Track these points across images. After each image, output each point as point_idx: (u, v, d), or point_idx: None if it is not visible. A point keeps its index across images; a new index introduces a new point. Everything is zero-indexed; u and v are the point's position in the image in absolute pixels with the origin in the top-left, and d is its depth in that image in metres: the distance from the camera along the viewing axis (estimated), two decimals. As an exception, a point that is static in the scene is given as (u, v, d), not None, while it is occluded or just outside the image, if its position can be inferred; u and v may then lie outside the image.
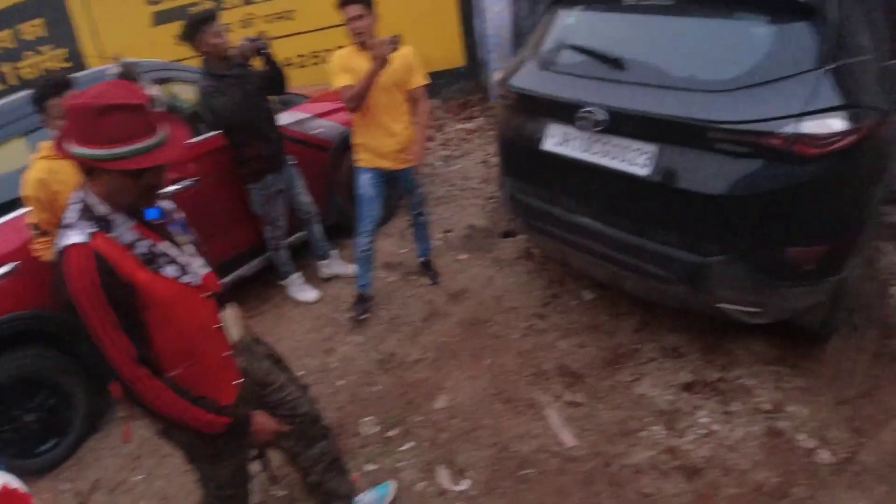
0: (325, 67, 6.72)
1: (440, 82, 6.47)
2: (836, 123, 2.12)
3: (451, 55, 6.72)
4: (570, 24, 2.86)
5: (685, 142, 2.30)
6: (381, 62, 2.94)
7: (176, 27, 3.42)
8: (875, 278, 3.43)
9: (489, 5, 6.09)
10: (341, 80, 3.11)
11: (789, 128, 2.10)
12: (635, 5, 2.59)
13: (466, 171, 5.40)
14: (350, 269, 4.02)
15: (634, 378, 2.93)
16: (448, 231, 4.43)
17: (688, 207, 2.36)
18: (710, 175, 2.26)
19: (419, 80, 3.28)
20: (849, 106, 2.16)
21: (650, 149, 2.40)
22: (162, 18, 6.62)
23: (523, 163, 2.97)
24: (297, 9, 6.57)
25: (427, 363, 3.25)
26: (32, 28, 7.16)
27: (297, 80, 6.58)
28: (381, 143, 3.29)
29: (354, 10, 3.04)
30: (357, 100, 3.07)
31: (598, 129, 2.49)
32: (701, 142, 2.24)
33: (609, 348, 3.11)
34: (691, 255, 2.44)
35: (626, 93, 2.45)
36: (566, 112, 2.59)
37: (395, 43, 2.99)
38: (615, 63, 2.52)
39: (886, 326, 3.09)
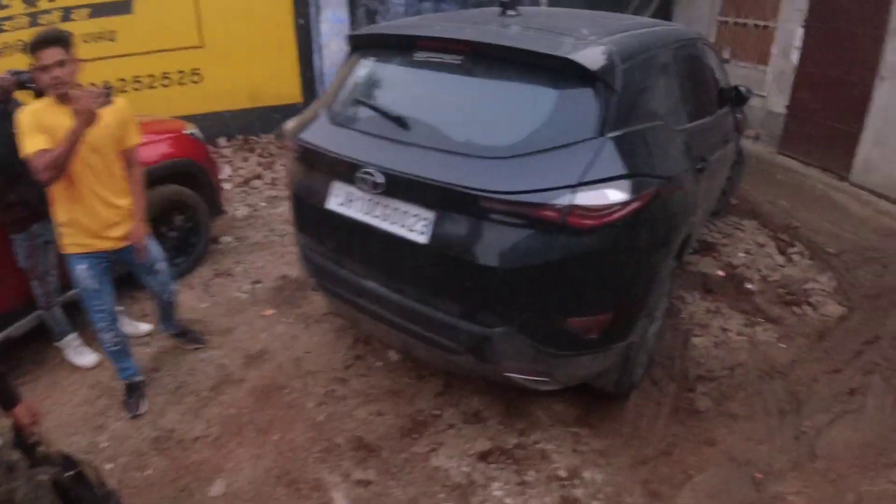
0: (148, 94, 6.29)
1: (276, 117, 6.13)
2: (613, 194, 2.05)
3: (289, 90, 6.42)
4: (362, 75, 2.65)
5: (461, 210, 2.14)
6: (86, 118, 2.27)
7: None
8: (677, 328, 3.54)
9: (327, 42, 5.91)
10: (35, 144, 2.34)
11: (564, 199, 2.00)
12: (425, 61, 2.42)
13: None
14: (142, 328, 3.50)
15: (431, 448, 2.71)
16: (257, 282, 4.03)
17: (466, 278, 2.20)
18: (485, 246, 2.11)
19: (134, 138, 2.71)
20: (629, 175, 2.12)
21: (428, 215, 2.22)
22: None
23: (312, 220, 2.69)
24: (119, 30, 5.90)
25: (209, 441, 2.82)
26: None
27: (114, 106, 5.96)
28: (95, 219, 2.61)
29: (54, 54, 2.33)
30: (56, 167, 2.33)
31: (377, 191, 2.27)
32: (476, 211, 2.09)
33: (408, 416, 2.88)
34: (474, 326, 2.28)
35: (405, 155, 2.26)
36: (349, 171, 2.36)
37: (107, 94, 2.41)
38: (398, 122, 2.33)
39: (686, 379, 3.15)
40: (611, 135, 2.13)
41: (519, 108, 2.21)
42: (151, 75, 6.05)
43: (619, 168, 2.10)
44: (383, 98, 2.50)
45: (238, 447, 2.77)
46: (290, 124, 2.92)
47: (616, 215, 2.05)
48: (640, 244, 2.25)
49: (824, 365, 3.34)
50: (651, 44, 2.55)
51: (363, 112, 2.52)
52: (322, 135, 2.59)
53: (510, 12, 2.69)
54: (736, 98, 4.06)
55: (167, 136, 4.03)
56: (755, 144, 6.84)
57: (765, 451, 2.75)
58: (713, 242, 4.58)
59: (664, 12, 8.03)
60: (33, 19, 5.54)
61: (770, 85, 6.67)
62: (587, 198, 2.01)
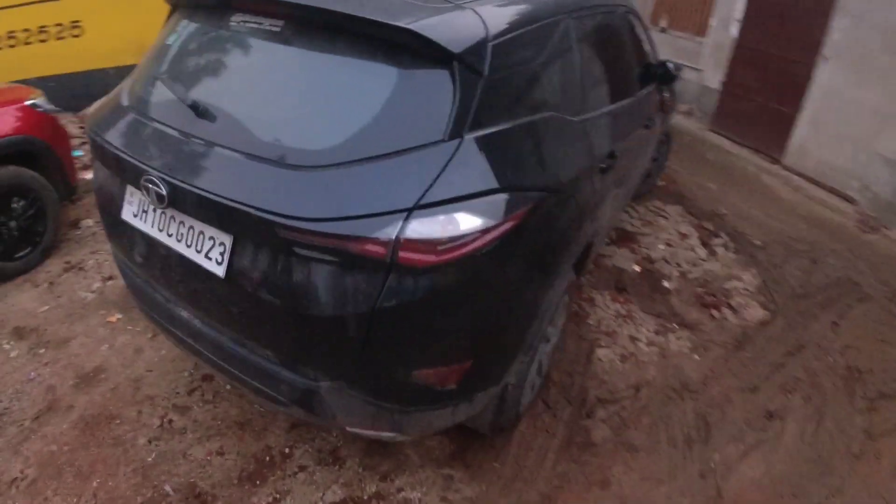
0: (24, 51, 5.32)
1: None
2: (466, 220, 1.48)
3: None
4: (172, 44, 1.96)
5: (260, 238, 1.54)
6: None
7: None
8: (582, 338, 3.07)
9: None
10: None
11: (392, 230, 1.41)
12: (239, 27, 1.76)
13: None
14: None
15: (274, 499, 2.19)
16: (109, 279, 3.34)
17: (276, 322, 1.62)
18: (293, 286, 1.52)
19: None
20: (493, 191, 1.55)
21: (225, 240, 1.61)
22: None
23: (115, 230, 2.03)
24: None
25: (23, 487, 2.21)
26: None
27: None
28: None
29: None
30: None
31: (163, 204, 1.65)
32: (276, 241, 1.49)
33: (253, 455, 2.33)
34: (297, 377, 1.72)
35: (196, 158, 1.62)
36: (137, 176, 1.71)
37: None
38: (194, 110, 1.68)
39: (584, 403, 2.69)
40: (471, 135, 1.55)
41: (346, 97, 1.57)
42: (27, 30, 5.09)
43: (477, 182, 1.52)
44: (186, 76, 1.83)
45: (54, 495, 2.18)
46: (94, 106, 2.22)
47: (471, 247, 1.49)
48: (510, 276, 1.70)
49: (741, 381, 2.94)
50: (541, 11, 1.94)
51: (161, 95, 1.85)
52: (114, 124, 1.90)
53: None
54: (663, 75, 3.52)
55: (2, 109, 3.25)
56: (687, 120, 6.38)
57: (664, 493, 2.33)
58: (633, 232, 4.11)
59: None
60: None
61: (706, 58, 6.15)
62: (426, 227, 1.43)
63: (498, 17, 1.71)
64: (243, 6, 1.76)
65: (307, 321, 1.53)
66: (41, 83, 5.19)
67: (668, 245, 4.00)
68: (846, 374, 3.07)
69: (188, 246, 1.69)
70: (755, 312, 3.47)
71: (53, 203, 3.47)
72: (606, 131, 2.37)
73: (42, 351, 2.86)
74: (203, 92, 1.74)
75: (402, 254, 1.43)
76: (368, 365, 1.62)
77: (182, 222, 1.70)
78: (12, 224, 3.30)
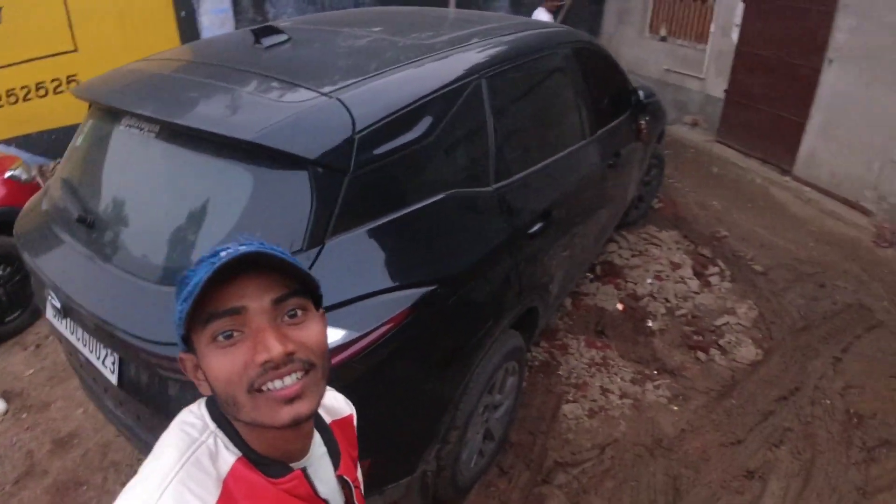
0: (24, 107, 5.58)
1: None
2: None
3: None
4: (80, 145, 1.98)
5: (140, 360, 1.52)
6: None
7: None
8: (550, 391, 2.94)
9: (209, 36, 5.15)
10: None
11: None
12: (129, 128, 1.76)
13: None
14: None
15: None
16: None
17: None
18: (174, 399, 1.50)
19: None
20: (357, 297, 1.49)
21: (113, 353, 1.61)
22: None
23: (49, 322, 2.08)
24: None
25: None
26: None
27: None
28: None
29: None
30: None
31: (62, 315, 1.66)
32: (153, 364, 1.47)
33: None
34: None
35: (84, 273, 1.63)
36: (44, 285, 1.75)
37: None
38: (82, 221, 1.69)
39: (540, 467, 2.57)
40: (334, 240, 1.49)
41: (207, 205, 1.53)
42: (25, 87, 5.34)
43: (339, 292, 1.46)
44: (88, 182, 1.85)
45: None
46: (26, 205, 2.27)
47: (337, 358, 1.43)
48: (400, 374, 1.63)
49: (722, 434, 2.74)
50: (439, 80, 1.85)
51: (63, 201, 1.87)
52: (32, 229, 1.95)
53: (266, 41, 2.00)
54: (636, 105, 3.37)
55: (-22, 180, 3.41)
56: (692, 132, 6.09)
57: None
58: (620, 265, 3.93)
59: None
60: None
61: (709, 66, 5.87)
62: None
63: (371, 102, 1.65)
64: (127, 112, 1.76)
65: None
66: (45, 136, 5.47)
67: (658, 278, 3.81)
68: (844, 420, 2.82)
69: (91, 352, 1.70)
70: (747, 352, 3.25)
71: (38, 269, 3.59)
72: (538, 191, 2.26)
73: (24, 416, 2.97)
74: (96, 200, 1.75)
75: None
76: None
77: (82, 331, 1.71)
78: (0, 290, 3.44)
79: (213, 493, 0.68)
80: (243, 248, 0.66)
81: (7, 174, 3.52)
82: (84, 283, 1.62)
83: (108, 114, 1.88)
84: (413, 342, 1.62)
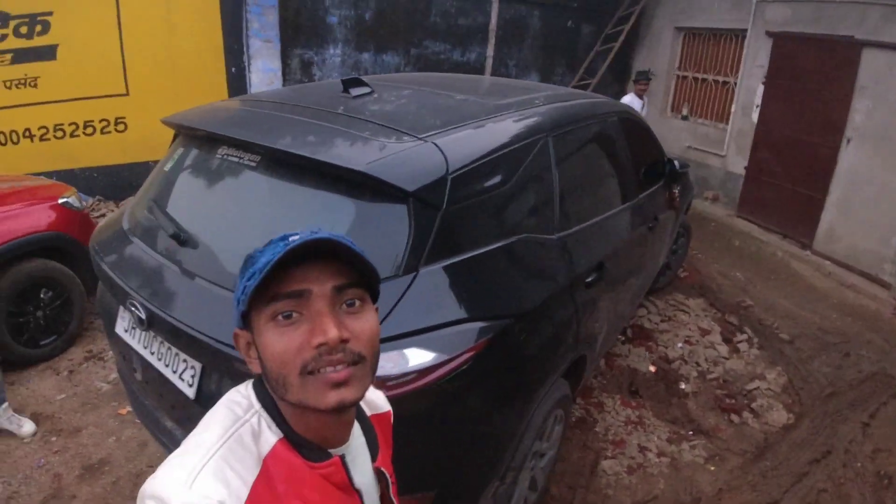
0: (70, 143, 5.81)
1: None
2: (416, 355, 1.50)
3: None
4: (169, 170, 2.11)
5: (225, 368, 1.59)
6: None
7: None
8: (587, 447, 2.94)
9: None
10: None
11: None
12: (224, 159, 1.89)
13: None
14: (25, 428, 2.94)
15: None
16: (122, 373, 3.45)
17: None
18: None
19: None
20: (447, 324, 1.57)
21: (195, 365, 1.67)
22: None
23: (112, 338, 2.14)
24: (43, 75, 5.44)
25: None
26: None
27: (38, 155, 5.48)
28: None
29: None
30: None
31: (144, 327, 1.73)
32: (238, 373, 1.53)
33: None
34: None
35: (174, 286, 1.72)
36: (124, 297, 1.82)
37: None
38: (177, 239, 1.79)
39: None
40: (427, 268, 1.58)
41: (310, 229, 1.65)
42: (74, 123, 5.57)
43: (431, 316, 1.54)
44: (175, 204, 1.97)
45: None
46: (100, 224, 2.39)
47: (422, 381, 1.49)
48: (474, 404, 1.68)
49: (759, 494, 2.74)
50: (515, 135, 2.01)
51: (152, 221, 1.98)
52: (111, 245, 2.04)
53: (354, 91, 2.17)
54: (670, 174, 3.54)
55: (34, 206, 3.52)
56: (713, 206, 6.30)
57: None
58: (650, 329, 4.00)
59: (622, 66, 7.54)
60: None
61: (729, 144, 6.14)
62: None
63: (462, 148, 1.78)
64: (228, 140, 1.89)
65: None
66: (87, 172, 5.64)
67: (688, 342, 3.86)
68: (875, 482, 2.83)
69: (166, 366, 1.75)
70: (779, 415, 3.28)
71: (79, 295, 3.66)
72: (593, 243, 2.37)
73: (54, 439, 2.95)
74: (186, 220, 1.85)
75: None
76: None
77: (162, 343, 1.77)
78: (39, 314, 3.50)
79: (253, 471, 0.69)
80: (314, 235, 0.70)
81: (61, 200, 3.65)
82: (173, 296, 1.70)
83: (202, 142, 2.02)
84: (488, 373, 1.68)
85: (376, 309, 0.78)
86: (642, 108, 5.47)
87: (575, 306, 2.12)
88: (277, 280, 0.68)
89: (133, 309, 1.73)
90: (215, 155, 1.92)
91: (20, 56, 5.35)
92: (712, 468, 2.89)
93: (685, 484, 2.77)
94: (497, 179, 1.85)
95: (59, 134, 5.60)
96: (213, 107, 2.19)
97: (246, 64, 5.74)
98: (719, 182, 6.31)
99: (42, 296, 3.51)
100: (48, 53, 5.42)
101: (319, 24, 6.09)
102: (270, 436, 0.73)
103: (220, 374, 1.61)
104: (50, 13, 5.26)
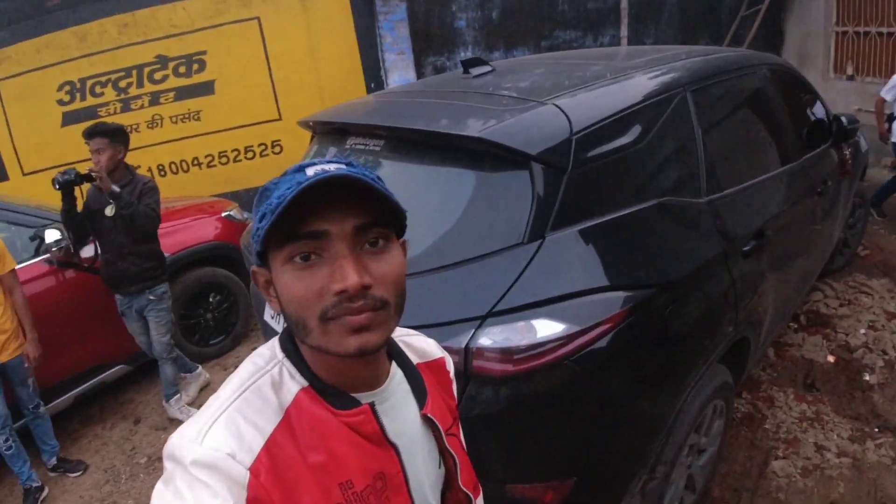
0: (233, 167, 6.43)
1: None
2: (545, 326, 1.39)
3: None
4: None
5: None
6: None
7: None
8: (755, 445, 2.60)
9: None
10: None
11: (463, 339, 1.37)
12: (352, 148, 1.92)
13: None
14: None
15: None
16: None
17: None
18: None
19: (7, 265, 2.68)
20: (579, 293, 1.44)
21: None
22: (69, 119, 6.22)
23: (264, 327, 2.27)
24: (204, 109, 6.12)
25: None
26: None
27: (206, 180, 6.14)
28: None
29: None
30: None
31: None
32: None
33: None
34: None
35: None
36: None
37: None
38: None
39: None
40: (554, 234, 1.46)
41: (430, 205, 1.60)
42: (236, 149, 6.17)
43: (560, 285, 1.42)
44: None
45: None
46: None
47: (553, 355, 1.38)
48: (614, 384, 1.52)
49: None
50: (646, 91, 1.82)
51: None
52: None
53: (474, 71, 2.11)
54: (838, 133, 3.05)
55: (202, 219, 3.94)
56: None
57: None
58: (827, 314, 3.46)
59: (773, 30, 6.73)
60: (125, 105, 5.90)
61: (907, 102, 5.18)
62: (501, 335, 1.36)
63: (587, 108, 1.64)
64: (355, 130, 1.92)
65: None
66: (250, 193, 6.20)
67: (872, 328, 3.29)
68: None
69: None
70: None
71: (244, 298, 4.00)
72: (750, 208, 2.09)
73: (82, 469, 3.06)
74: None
75: (475, 363, 1.37)
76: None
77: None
78: (209, 316, 3.88)
79: (273, 421, 0.64)
80: (332, 170, 0.62)
81: (224, 213, 4.03)
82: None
83: (333, 137, 2.07)
84: (629, 349, 1.51)
85: (403, 243, 0.70)
86: None
87: (731, 278, 1.86)
88: (294, 218, 0.61)
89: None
90: (345, 146, 1.96)
91: (182, 93, 6.06)
92: (906, 471, 2.41)
93: (869, 487, 2.33)
94: (629, 139, 1.68)
95: (224, 160, 6.24)
96: (342, 104, 2.26)
97: (383, 78, 5.98)
98: (897, 147, 5.36)
99: (211, 299, 3.89)
100: (207, 89, 6.08)
101: (448, 29, 6.18)
102: (293, 385, 0.68)
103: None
104: (204, 52, 5.89)
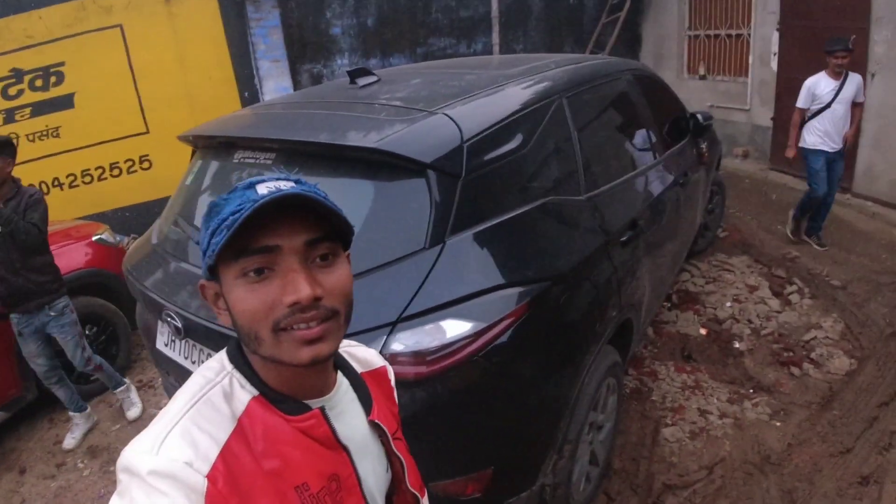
0: (99, 186, 5.96)
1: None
2: (453, 326, 1.46)
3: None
4: (189, 185, 2.13)
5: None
6: None
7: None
8: (646, 416, 2.85)
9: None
10: None
11: (377, 345, 1.41)
12: (241, 163, 1.89)
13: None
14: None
15: None
16: (171, 398, 3.50)
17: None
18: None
19: None
20: (481, 292, 1.53)
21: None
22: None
23: (154, 355, 2.16)
24: (64, 124, 5.61)
25: None
26: None
27: (69, 203, 5.63)
28: None
29: None
30: None
31: (181, 336, 1.74)
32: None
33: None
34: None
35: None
36: (160, 310, 1.83)
37: None
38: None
39: (649, 491, 2.47)
40: (454, 238, 1.55)
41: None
42: (100, 167, 5.71)
43: (463, 286, 1.50)
44: (198, 213, 1.97)
45: None
46: (133, 244, 2.43)
47: (464, 352, 1.45)
48: (519, 374, 1.63)
49: (830, 444, 2.61)
50: (527, 99, 1.96)
51: (179, 233, 1.99)
52: (143, 262, 2.07)
53: (361, 81, 2.15)
54: (694, 128, 3.43)
55: (68, 245, 3.61)
56: (745, 163, 6.10)
57: None
58: (695, 292, 3.87)
59: (631, 34, 7.38)
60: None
61: (752, 97, 5.93)
62: (412, 339, 1.42)
63: (474, 116, 1.74)
64: (243, 144, 1.89)
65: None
66: (119, 213, 5.77)
67: (737, 301, 3.73)
68: (950, 415, 2.68)
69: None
70: (841, 363, 3.13)
71: (124, 327, 3.73)
72: (623, 202, 2.30)
73: (112, 468, 3.00)
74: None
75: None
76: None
77: (201, 350, 1.77)
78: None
79: (227, 429, 0.66)
80: (286, 188, 0.65)
81: (94, 237, 3.73)
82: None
83: (218, 151, 2.02)
84: (531, 339, 1.63)
85: (348, 256, 0.74)
86: (838, 90, 4.04)
87: (613, 266, 2.05)
88: (246, 234, 0.64)
89: (169, 319, 1.74)
90: (232, 160, 1.92)
91: (39, 109, 5.53)
92: (778, 424, 2.77)
93: (752, 443, 2.66)
94: (514, 144, 1.80)
95: (88, 179, 5.75)
96: (224, 116, 2.20)
97: (258, 86, 5.81)
98: (747, 137, 6.11)
99: (87, 332, 3.58)
100: (66, 103, 5.58)
101: (323, 36, 6.13)
102: (244, 394, 0.70)
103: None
104: (62, 63, 5.42)
